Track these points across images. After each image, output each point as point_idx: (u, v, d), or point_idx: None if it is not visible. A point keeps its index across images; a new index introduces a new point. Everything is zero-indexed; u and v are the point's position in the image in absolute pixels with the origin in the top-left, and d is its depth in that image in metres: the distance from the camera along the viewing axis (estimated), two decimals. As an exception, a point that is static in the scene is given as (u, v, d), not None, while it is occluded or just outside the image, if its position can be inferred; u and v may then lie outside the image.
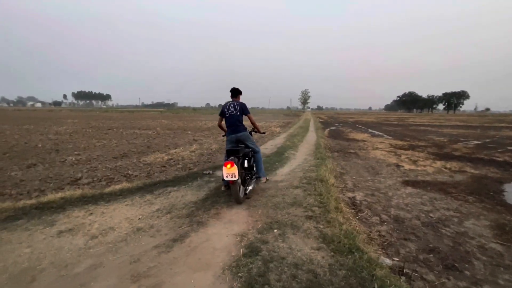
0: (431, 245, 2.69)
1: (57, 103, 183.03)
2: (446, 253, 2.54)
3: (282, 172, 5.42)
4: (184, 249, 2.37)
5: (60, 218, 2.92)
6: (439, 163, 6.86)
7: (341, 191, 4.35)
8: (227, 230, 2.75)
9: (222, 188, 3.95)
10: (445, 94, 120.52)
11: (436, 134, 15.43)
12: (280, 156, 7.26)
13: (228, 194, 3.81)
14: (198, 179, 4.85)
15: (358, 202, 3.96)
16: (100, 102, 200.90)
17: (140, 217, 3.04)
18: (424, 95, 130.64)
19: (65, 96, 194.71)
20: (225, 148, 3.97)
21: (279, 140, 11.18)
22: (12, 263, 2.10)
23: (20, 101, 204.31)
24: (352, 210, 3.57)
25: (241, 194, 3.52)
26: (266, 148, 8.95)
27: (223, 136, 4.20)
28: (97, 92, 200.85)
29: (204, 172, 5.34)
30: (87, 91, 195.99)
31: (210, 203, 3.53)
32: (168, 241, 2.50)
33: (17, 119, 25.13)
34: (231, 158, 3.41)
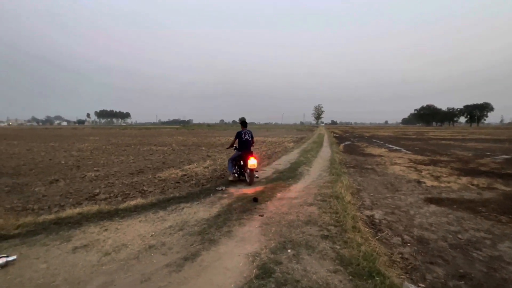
0: (461, 271, 2.46)
1: (80, 122, 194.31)
2: (480, 280, 2.30)
3: (296, 189, 5.30)
4: (195, 268, 2.31)
5: (76, 234, 2.98)
6: (464, 179, 6.45)
7: (358, 209, 4.16)
8: (239, 249, 2.67)
9: (230, 178, 5.87)
10: (466, 107, 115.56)
11: (459, 149, 14.66)
12: (293, 172, 7.14)
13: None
14: (211, 195, 4.84)
15: (377, 221, 3.75)
16: (120, 120, 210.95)
17: (153, 234, 3.04)
18: (444, 108, 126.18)
19: (88, 115, 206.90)
20: (232, 157, 5.97)
21: (292, 156, 11.06)
22: (28, 279, 2.14)
23: (48, 120, 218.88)
24: (371, 230, 3.38)
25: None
26: (279, 163, 8.86)
27: (230, 147, 6.45)
28: (117, 110, 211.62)
29: (217, 188, 5.33)
30: (108, 109, 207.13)
31: (222, 220, 3.48)
32: (180, 259, 2.46)
33: (44, 137, 26.81)
34: (251, 153, 5.63)
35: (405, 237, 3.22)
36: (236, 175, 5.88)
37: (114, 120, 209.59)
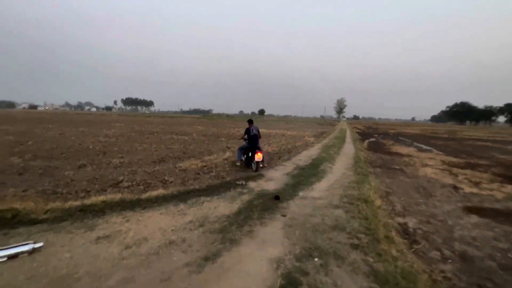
0: (518, 299, 2.12)
1: (108, 108, 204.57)
2: (543, 314, 1.96)
3: (320, 188, 5.04)
4: (216, 270, 2.20)
5: (100, 223, 3.00)
6: (510, 188, 5.79)
7: (389, 215, 3.83)
8: (262, 252, 2.52)
9: (238, 163, 7.14)
10: (507, 105, 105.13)
11: (499, 151, 13.37)
12: (315, 169, 6.85)
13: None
14: (231, 189, 4.73)
15: (411, 230, 3.42)
16: (144, 108, 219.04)
17: (173, 228, 2.98)
18: (480, 106, 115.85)
19: (115, 102, 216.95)
20: (242, 146, 7.25)
21: (313, 151, 10.69)
22: (52, 268, 2.15)
23: (80, 106, 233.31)
24: (405, 240, 3.07)
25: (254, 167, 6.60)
26: (300, 159, 8.58)
27: (240, 139, 7.92)
28: (142, 98, 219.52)
29: (237, 182, 5.22)
30: (133, 97, 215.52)
31: (243, 218, 3.35)
32: (200, 259, 2.36)
33: (75, 122, 28.47)
34: (258, 148, 6.78)
35: (445, 251, 2.88)
36: (243, 161, 7.30)
37: (139, 107, 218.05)
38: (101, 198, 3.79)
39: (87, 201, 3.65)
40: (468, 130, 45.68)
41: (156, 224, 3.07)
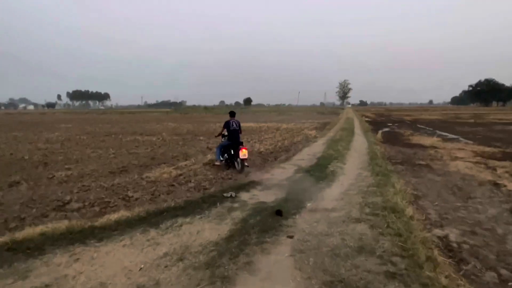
0: None
1: (50, 105, 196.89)
2: None
3: (332, 195, 4.89)
4: (206, 327, 1.94)
5: (37, 267, 2.66)
6: (561, 182, 5.87)
7: (424, 227, 3.70)
8: (267, 293, 2.29)
9: (217, 163, 7.38)
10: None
11: (537, 137, 13.85)
12: (323, 171, 6.71)
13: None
14: (218, 204, 4.49)
15: (454, 245, 3.30)
16: (97, 102, 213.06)
17: (142, 266, 2.69)
18: (508, 84, 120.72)
19: (59, 97, 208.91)
20: (221, 144, 7.46)
21: (317, 148, 10.61)
22: None
23: (12, 104, 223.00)
24: (450, 260, 2.93)
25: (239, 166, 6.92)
26: (302, 159, 8.44)
27: (218, 135, 8.14)
28: (94, 91, 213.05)
29: (225, 194, 4.97)
30: (83, 90, 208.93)
31: (237, 244, 3.11)
32: (182, 311, 2.10)
33: (6, 124, 27.14)
34: (241, 144, 7.18)
35: (503, 272, 2.76)
36: (224, 161, 7.41)
37: (91, 102, 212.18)
38: (40, 228, 3.44)
39: (19, 235, 3.28)
40: (496, 113, 47.57)
41: (117, 262, 2.77)
